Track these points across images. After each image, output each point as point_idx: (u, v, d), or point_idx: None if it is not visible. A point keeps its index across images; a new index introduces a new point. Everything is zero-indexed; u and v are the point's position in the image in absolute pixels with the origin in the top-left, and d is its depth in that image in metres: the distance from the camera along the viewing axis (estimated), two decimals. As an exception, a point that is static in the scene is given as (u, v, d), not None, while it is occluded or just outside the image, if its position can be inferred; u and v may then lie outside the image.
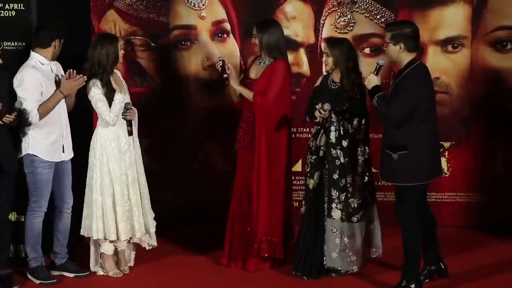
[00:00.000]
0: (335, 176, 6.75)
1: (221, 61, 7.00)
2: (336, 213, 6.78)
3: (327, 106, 6.63)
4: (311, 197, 6.85)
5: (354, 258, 6.91)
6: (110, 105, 6.86)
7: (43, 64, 6.77)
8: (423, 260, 6.73)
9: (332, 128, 6.74)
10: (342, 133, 6.74)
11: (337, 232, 6.80)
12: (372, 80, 6.41)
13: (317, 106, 6.66)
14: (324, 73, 7.19)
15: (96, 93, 6.85)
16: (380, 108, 6.32)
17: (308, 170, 6.85)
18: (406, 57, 6.38)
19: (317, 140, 6.76)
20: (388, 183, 6.58)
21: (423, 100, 6.30)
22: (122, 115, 6.88)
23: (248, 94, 6.96)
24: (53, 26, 6.84)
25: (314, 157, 6.80)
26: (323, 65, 7.02)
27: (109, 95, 6.86)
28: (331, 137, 6.74)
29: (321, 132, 6.76)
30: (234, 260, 7.16)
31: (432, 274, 6.82)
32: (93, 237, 6.99)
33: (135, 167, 7.00)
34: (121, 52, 6.92)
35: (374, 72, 6.44)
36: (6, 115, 6.43)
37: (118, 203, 6.94)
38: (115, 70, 7.03)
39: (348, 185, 6.78)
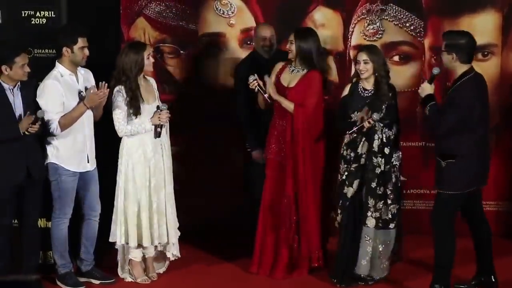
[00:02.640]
0: (373, 185, 6.76)
1: (254, 81, 6.96)
2: (371, 222, 6.80)
3: (376, 116, 6.64)
4: (348, 205, 6.82)
5: (386, 263, 6.93)
6: (133, 112, 6.86)
7: (62, 76, 6.78)
8: (476, 268, 6.85)
9: (376, 136, 6.72)
10: (384, 141, 6.74)
11: (370, 240, 6.82)
12: (426, 89, 6.48)
13: (365, 117, 6.65)
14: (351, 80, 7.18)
15: (117, 100, 6.88)
16: (432, 117, 6.41)
17: (345, 178, 6.82)
18: (460, 68, 6.46)
19: (359, 148, 6.73)
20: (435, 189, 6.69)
21: (473, 111, 6.38)
22: (158, 120, 6.90)
23: (289, 105, 6.98)
24: (60, 34, 6.84)
25: (354, 165, 6.78)
26: (353, 72, 6.96)
27: (134, 103, 6.86)
28: (374, 145, 6.74)
29: (363, 140, 6.73)
30: (264, 268, 7.16)
31: (482, 285, 6.85)
32: (116, 242, 7.02)
33: (162, 175, 7.01)
34: (149, 60, 6.93)
35: (428, 81, 6.51)
36: (31, 125, 6.47)
37: (143, 209, 6.96)
38: (148, 78, 7.07)
39: (389, 192, 6.78)
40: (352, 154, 6.81)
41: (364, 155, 6.76)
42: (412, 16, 8.14)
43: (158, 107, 6.93)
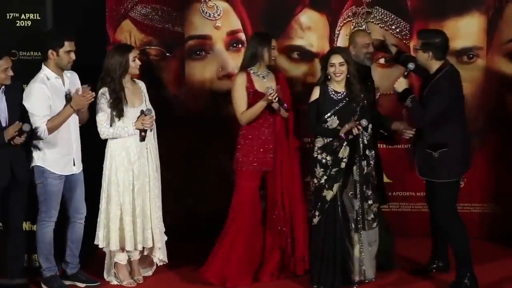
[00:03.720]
0: (364, 188, 6.77)
1: (274, 92, 6.80)
2: (366, 225, 6.80)
3: (364, 122, 6.66)
4: (326, 208, 6.81)
5: (374, 263, 6.95)
6: (116, 114, 6.85)
7: (48, 79, 6.76)
8: (431, 253, 7.17)
9: (360, 140, 6.72)
10: (366, 143, 6.75)
11: (367, 244, 6.83)
12: (402, 83, 6.69)
13: (358, 123, 6.64)
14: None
15: (100, 102, 6.87)
16: (415, 109, 6.61)
17: (323, 182, 6.78)
18: (435, 64, 6.70)
19: (340, 153, 6.72)
20: (430, 179, 6.81)
21: (457, 101, 6.66)
22: (141, 125, 6.88)
23: (286, 112, 6.99)
24: (47, 37, 6.83)
25: (334, 169, 6.75)
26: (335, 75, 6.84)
27: (117, 106, 6.85)
28: (360, 149, 6.73)
29: (344, 145, 6.72)
30: (249, 274, 7.11)
31: (437, 269, 7.16)
32: (99, 245, 7.01)
33: (147, 178, 7.00)
34: (135, 63, 6.92)
35: (404, 76, 6.72)
36: (16, 138, 6.45)
37: (126, 213, 6.95)
38: (137, 81, 7.07)
39: (370, 193, 6.80)
40: (329, 158, 6.77)
41: (345, 159, 6.76)
42: (398, 19, 8.16)
43: (142, 112, 6.92)
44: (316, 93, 6.85)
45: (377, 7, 8.17)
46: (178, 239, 7.44)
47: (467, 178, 8.15)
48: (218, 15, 8.29)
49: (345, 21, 8.23)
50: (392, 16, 8.17)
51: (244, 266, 7.04)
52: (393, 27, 8.15)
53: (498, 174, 8.19)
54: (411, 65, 6.72)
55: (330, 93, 6.83)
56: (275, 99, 6.80)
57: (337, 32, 8.26)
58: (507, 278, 7.11)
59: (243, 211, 7.02)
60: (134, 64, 6.92)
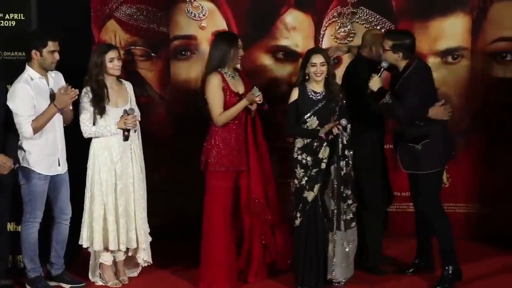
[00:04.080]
0: (342, 188, 6.76)
1: (260, 94, 6.79)
2: (342, 225, 6.80)
3: (344, 122, 6.66)
4: (308, 209, 6.81)
5: (352, 264, 6.94)
6: (98, 112, 6.86)
7: (32, 79, 6.74)
8: (416, 252, 7.24)
9: (339, 140, 6.72)
10: (345, 143, 6.75)
11: (345, 243, 6.83)
12: (377, 82, 6.78)
13: (338, 123, 6.65)
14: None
15: (83, 101, 6.88)
16: (394, 106, 6.70)
17: (304, 183, 6.78)
18: (403, 63, 6.84)
19: (320, 153, 6.72)
20: (414, 172, 6.90)
21: (432, 93, 6.89)
22: (124, 124, 6.88)
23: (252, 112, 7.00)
24: (31, 37, 6.81)
25: (315, 170, 6.75)
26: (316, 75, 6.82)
27: (98, 103, 6.86)
28: (338, 149, 6.73)
29: (324, 145, 6.73)
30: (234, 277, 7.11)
31: (422, 267, 7.23)
32: (85, 246, 7.00)
33: (131, 179, 6.99)
34: (112, 63, 6.89)
35: (378, 75, 6.80)
36: (3, 164, 6.48)
37: (109, 213, 6.94)
38: (123, 82, 7.08)
39: (350, 192, 6.81)
40: (309, 159, 6.77)
41: (325, 160, 6.75)
42: (383, 19, 8.18)
43: (125, 111, 6.91)
44: (295, 94, 6.84)
45: (362, 7, 8.19)
46: (165, 240, 7.43)
47: (452, 178, 8.19)
48: (203, 15, 8.29)
49: (330, 22, 8.25)
50: (377, 17, 8.19)
51: (226, 269, 7.01)
52: (378, 27, 8.16)
53: (483, 174, 8.22)
54: (384, 64, 6.84)
55: (309, 93, 6.83)
56: (259, 100, 6.81)
57: (322, 33, 8.27)
58: (492, 278, 7.13)
59: (218, 213, 6.94)
60: (111, 64, 6.91)
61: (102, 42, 8.05)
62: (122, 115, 6.90)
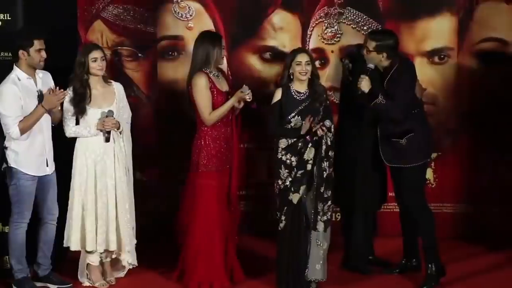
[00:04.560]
0: (322, 189, 6.74)
1: (250, 92, 6.80)
2: (320, 225, 6.76)
3: (328, 123, 6.66)
4: (292, 211, 6.80)
5: (326, 265, 6.92)
6: (77, 111, 6.86)
7: (20, 80, 6.72)
8: (403, 252, 7.25)
9: (323, 141, 6.72)
10: (329, 144, 6.75)
11: (321, 244, 6.81)
12: (367, 83, 6.81)
13: (322, 124, 6.64)
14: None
15: (65, 101, 6.87)
16: (389, 106, 6.74)
17: (289, 185, 6.75)
18: (386, 62, 6.87)
19: (305, 155, 6.72)
20: (399, 166, 6.90)
21: (414, 89, 6.94)
22: (102, 126, 6.88)
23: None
24: (16, 37, 6.79)
25: (300, 171, 6.74)
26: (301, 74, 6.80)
27: (78, 103, 6.86)
28: (322, 150, 6.73)
29: (309, 146, 6.73)
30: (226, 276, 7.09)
31: (409, 268, 7.24)
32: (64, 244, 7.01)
33: (113, 181, 6.96)
34: (95, 63, 6.87)
35: (367, 75, 6.82)
36: None
37: (88, 213, 6.94)
38: (113, 83, 7.07)
39: (330, 193, 6.80)
40: (294, 159, 6.76)
41: (310, 161, 6.76)
42: (370, 19, 8.19)
43: (103, 113, 6.89)
44: (278, 95, 6.83)
45: (349, 7, 8.19)
46: (152, 241, 7.43)
47: (439, 178, 8.23)
48: (191, 15, 8.28)
49: (317, 22, 8.26)
50: (364, 17, 8.20)
51: (222, 267, 7.01)
52: (365, 27, 8.18)
53: (470, 174, 8.24)
54: (371, 65, 6.84)
55: (293, 93, 6.82)
56: (249, 98, 6.81)
57: (309, 33, 8.28)
58: (478, 276, 7.16)
59: (211, 211, 6.95)
60: (95, 64, 6.89)
61: (89, 42, 8.03)
62: (100, 118, 6.88)
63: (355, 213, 7.27)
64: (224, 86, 6.96)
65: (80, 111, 6.86)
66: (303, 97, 6.81)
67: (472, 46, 8.16)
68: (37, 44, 6.71)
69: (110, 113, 6.89)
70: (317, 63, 8.20)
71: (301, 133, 6.69)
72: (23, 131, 6.65)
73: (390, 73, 6.82)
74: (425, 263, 6.94)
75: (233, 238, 7.10)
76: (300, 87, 6.82)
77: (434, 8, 8.13)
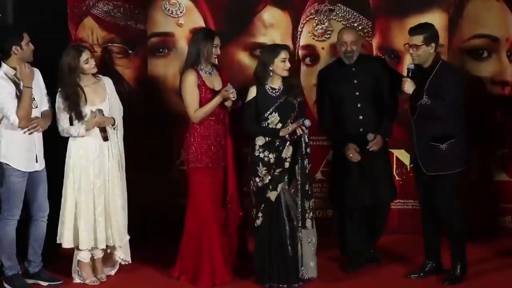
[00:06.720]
0: (306, 187, 6.76)
1: (234, 91, 6.81)
2: (309, 223, 6.79)
3: (307, 122, 6.66)
4: (270, 208, 6.78)
5: (315, 261, 6.95)
6: (75, 116, 6.85)
7: (8, 76, 6.71)
8: (425, 255, 7.12)
9: (302, 139, 6.72)
10: (307, 141, 6.76)
11: (311, 241, 6.83)
12: (410, 84, 6.73)
13: (301, 123, 6.63)
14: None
15: (58, 101, 6.87)
16: (436, 105, 6.65)
17: (268, 183, 6.75)
18: (432, 56, 6.80)
19: (283, 153, 6.72)
20: (438, 173, 6.83)
21: (463, 92, 6.83)
22: (99, 124, 6.87)
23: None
24: (5, 35, 6.77)
25: (278, 169, 6.75)
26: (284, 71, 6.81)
27: (73, 109, 6.84)
28: (302, 148, 6.73)
29: (287, 144, 6.73)
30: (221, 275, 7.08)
31: (432, 271, 7.11)
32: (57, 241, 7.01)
33: (107, 177, 6.97)
34: (88, 64, 6.86)
35: (409, 78, 6.76)
36: None
37: (82, 212, 6.93)
38: (102, 77, 7.06)
39: (312, 190, 6.84)
40: (272, 156, 6.77)
41: (288, 159, 6.75)
42: (360, 16, 8.21)
43: (92, 112, 6.88)
44: (253, 92, 6.82)
45: (339, 4, 8.21)
46: (145, 237, 7.43)
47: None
48: (181, 12, 8.29)
49: (307, 19, 8.27)
50: (354, 14, 8.22)
51: (222, 262, 7.02)
52: (355, 24, 8.19)
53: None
54: (411, 65, 6.79)
55: (268, 90, 6.82)
56: (233, 97, 6.81)
57: (300, 30, 8.29)
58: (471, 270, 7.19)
59: (203, 207, 6.96)
60: (88, 65, 6.89)
61: (79, 40, 8.02)
62: (87, 118, 6.87)
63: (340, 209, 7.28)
64: (216, 84, 6.95)
65: (77, 115, 6.85)
66: (278, 93, 6.81)
67: (462, 43, 8.18)
68: (26, 36, 6.71)
69: (99, 112, 6.88)
70: (307, 60, 8.27)
71: (281, 133, 6.69)
72: (22, 118, 6.63)
73: (435, 72, 6.74)
74: (452, 263, 6.94)
75: (229, 237, 7.10)
76: (274, 83, 6.82)
77: (424, 5, 8.15)
